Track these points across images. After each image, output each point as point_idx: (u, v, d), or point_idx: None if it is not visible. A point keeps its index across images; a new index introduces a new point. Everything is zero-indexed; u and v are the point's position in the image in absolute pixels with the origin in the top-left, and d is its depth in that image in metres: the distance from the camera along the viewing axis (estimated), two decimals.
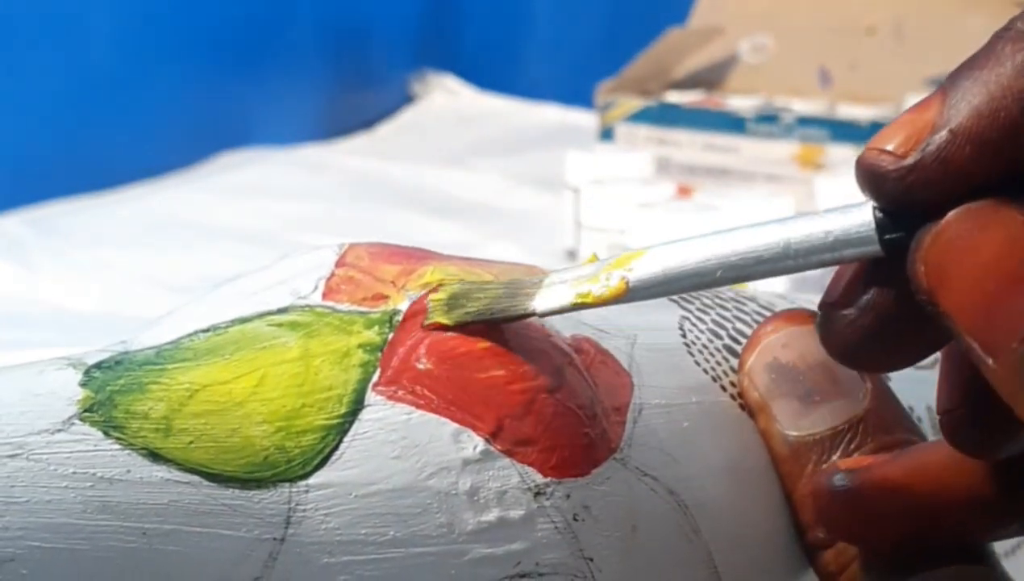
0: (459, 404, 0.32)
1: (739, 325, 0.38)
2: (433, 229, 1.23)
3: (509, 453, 0.32)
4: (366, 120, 1.61)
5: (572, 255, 1.12)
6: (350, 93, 1.61)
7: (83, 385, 0.31)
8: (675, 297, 0.38)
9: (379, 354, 0.33)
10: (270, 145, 1.47)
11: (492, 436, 0.32)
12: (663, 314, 0.37)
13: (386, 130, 1.61)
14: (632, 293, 0.32)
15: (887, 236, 0.30)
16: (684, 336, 0.37)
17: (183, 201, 1.30)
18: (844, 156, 1.22)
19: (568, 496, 0.32)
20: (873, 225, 0.30)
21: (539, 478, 0.32)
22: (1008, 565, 0.38)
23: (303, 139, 1.51)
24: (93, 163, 1.32)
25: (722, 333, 0.37)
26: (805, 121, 1.25)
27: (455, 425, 0.32)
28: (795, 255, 0.31)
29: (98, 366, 0.32)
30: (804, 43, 1.38)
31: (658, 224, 0.95)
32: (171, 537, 0.30)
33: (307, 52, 1.56)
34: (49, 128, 1.30)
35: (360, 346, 0.33)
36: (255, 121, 1.49)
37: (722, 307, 0.38)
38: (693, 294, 0.39)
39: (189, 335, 0.33)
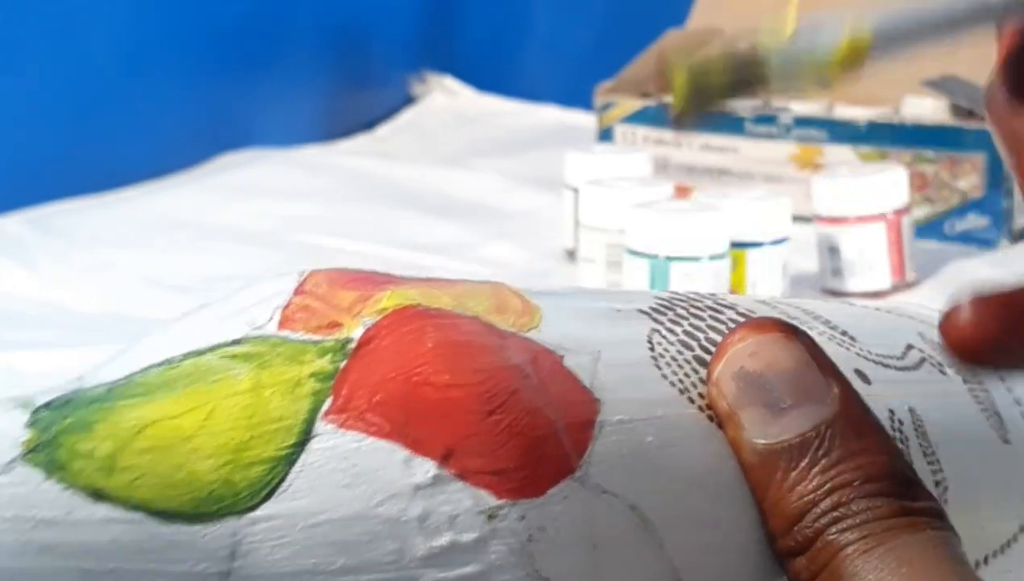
0: (410, 429, 0.32)
1: (713, 335, 0.37)
2: (433, 229, 1.23)
3: (462, 476, 0.32)
4: (366, 121, 1.60)
5: (571, 255, 1.12)
6: (350, 94, 1.60)
7: (29, 426, 0.32)
8: (646, 309, 0.37)
9: (331, 383, 0.33)
10: (270, 145, 1.46)
11: (444, 460, 0.32)
12: (634, 327, 0.36)
13: (386, 130, 1.60)
14: (875, 47, 0.32)
15: None
16: (652, 349, 0.36)
17: (183, 201, 1.30)
18: (842, 157, 1.23)
19: (523, 517, 0.32)
20: None
21: (493, 500, 0.32)
22: (1000, 562, 0.38)
23: (303, 139, 1.51)
24: (93, 163, 1.32)
25: (693, 344, 0.36)
26: (803, 122, 1.25)
27: (407, 451, 0.32)
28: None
29: (47, 405, 0.32)
30: None
31: (657, 224, 0.96)
32: (111, 575, 0.30)
33: (307, 52, 1.56)
34: (49, 128, 1.30)
35: (312, 375, 0.33)
36: (255, 122, 1.49)
37: (696, 317, 0.37)
38: (667, 305, 0.38)
39: (143, 370, 0.33)
